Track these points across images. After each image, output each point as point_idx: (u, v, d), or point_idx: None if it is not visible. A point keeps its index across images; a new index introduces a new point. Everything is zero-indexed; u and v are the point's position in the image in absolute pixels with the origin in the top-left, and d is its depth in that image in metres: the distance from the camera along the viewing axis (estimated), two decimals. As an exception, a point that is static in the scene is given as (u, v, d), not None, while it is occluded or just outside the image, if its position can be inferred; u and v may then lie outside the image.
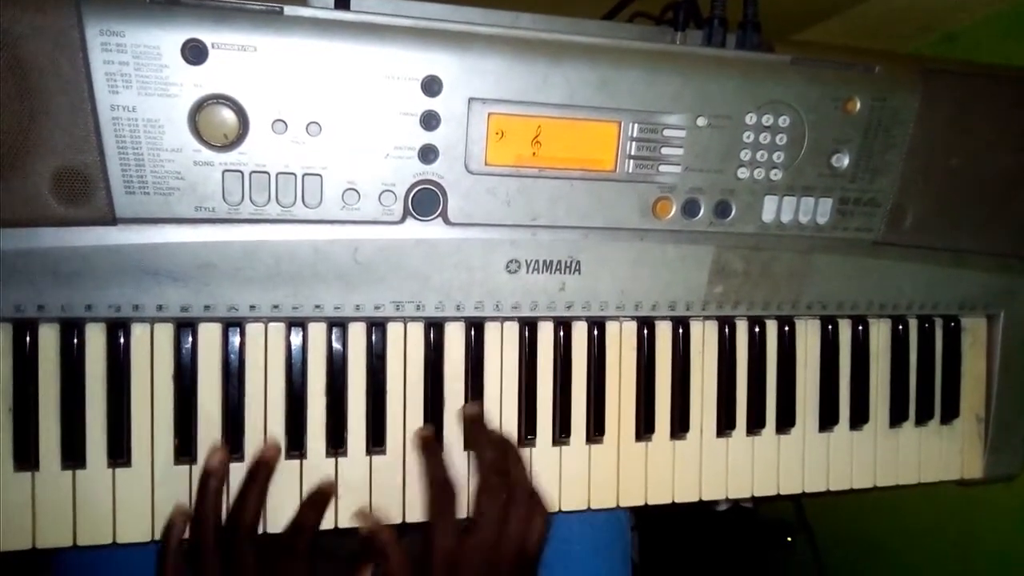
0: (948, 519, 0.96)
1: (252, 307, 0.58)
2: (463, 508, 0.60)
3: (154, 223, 0.55)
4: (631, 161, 0.61)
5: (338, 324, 0.61)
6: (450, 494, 0.59)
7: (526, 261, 0.62)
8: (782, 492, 0.72)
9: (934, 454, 0.77)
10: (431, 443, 0.61)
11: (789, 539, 1.23)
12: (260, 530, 0.59)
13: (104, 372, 0.57)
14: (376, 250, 0.59)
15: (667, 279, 0.66)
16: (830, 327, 0.72)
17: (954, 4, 0.92)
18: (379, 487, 0.62)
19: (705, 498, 0.70)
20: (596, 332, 0.66)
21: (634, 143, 0.61)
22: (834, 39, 1.04)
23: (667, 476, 0.69)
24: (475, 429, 0.63)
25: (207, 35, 0.52)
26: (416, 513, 0.63)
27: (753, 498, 0.74)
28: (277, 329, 0.60)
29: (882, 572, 1.08)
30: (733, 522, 1.27)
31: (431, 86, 0.56)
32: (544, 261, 0.63)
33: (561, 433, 0.66)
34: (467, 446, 0.64)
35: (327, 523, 0.61)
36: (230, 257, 0.56)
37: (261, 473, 0.57)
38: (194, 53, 0.52)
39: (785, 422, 0.72)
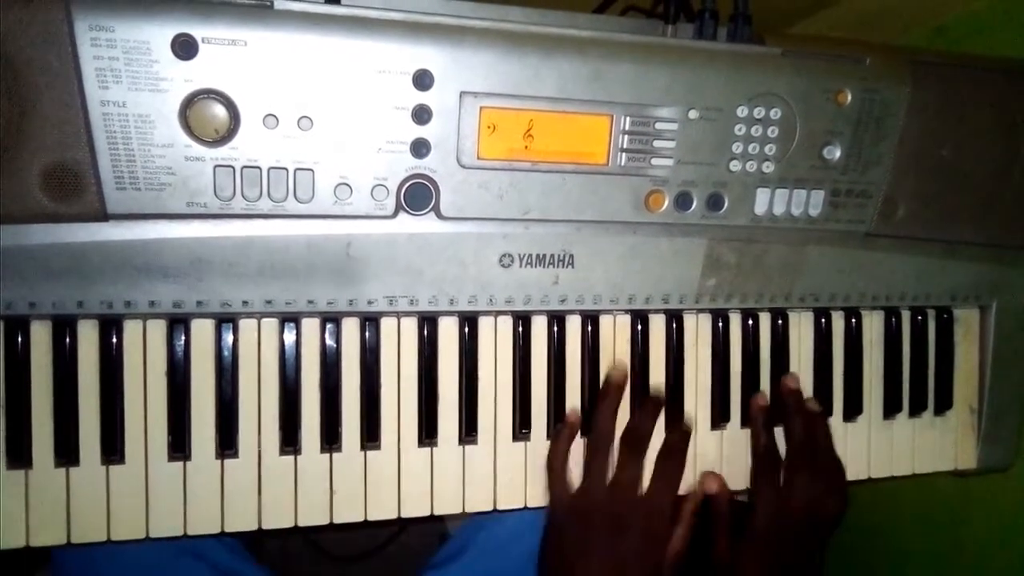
0: (942, 509, 0.96)
1: (245, 303, 0.58)
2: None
3: (145, 219, 0.55)
4: (623, 154, 0.62)
5: (331, 319, 0.61)
6: (776, 463, 0.66)
7: (519, 255, 0.62)
8: (777, 484, 0.72)
9: (928, 445, 0.77)
10: (762, 412, 0.68)
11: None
12: (256, 526, 0.60)
13: (97, 369, 0.57)
14: (369, 245, 0.59)
15: (660, 272, 0.66)
16: (823, 319, 0.73)
17: (944, -3, 0.93)
18: (374, 482, 0.62)
19: (700, 490, 0.70)
20: (590, 326, 0.67)
21: (626, 136, 0.61)
22: (826, 32, 1.04)
23: (661, 469, 0.69)
24: (792, 399, 0.68)
25: (197, 29, 0.52)
26: (412, 508, 0.63)
27: (748, 491, 0.74)
28: (270, 324, 0.60)
29: (877, 561, 1.08)
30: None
31: (422, 80, 0.56)
32: (537, 255, 0.63)
33: (556, 426, 0.66)
34: (780, 421, 0.69)
35: (322, 520, 0.61)
36: (222, 252, 0.56)
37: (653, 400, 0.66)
38: (184, 48, 0.52)
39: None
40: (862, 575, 1.12)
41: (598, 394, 0.65)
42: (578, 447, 0.65)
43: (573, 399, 0.66)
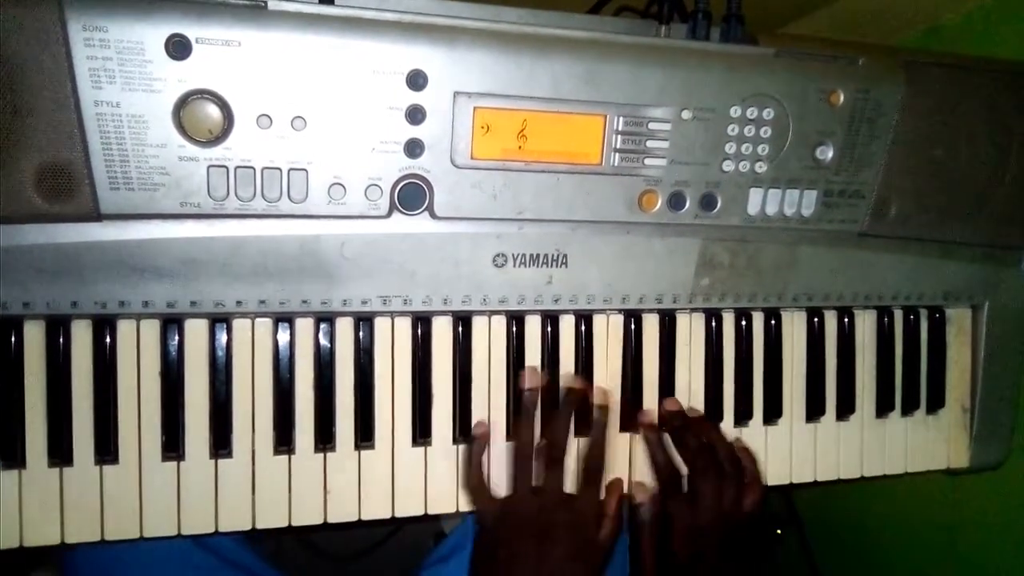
0: (937, 510, 0.96)
1: (239, 302, 0.58)
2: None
3: (139, 219, 0.55)
4: (617, 154, 0.62)
5: (325, 319, 0.61)
6: (676, 475, 0.65)
7: (513, 255, 0.62)
8: (770, 483, 0.72)
9: (920, 444, 0.77)
10: (654, 430, 0.66)
11: (779, 531, 1.23)
12: (250, 526, 0.60)
13: (90, 369, 0.57)
14: (363, 244, 0.59)
15: (654, 272, 0.66)
16: (816, 319, 0.73)
17: (938, -2, 0.93)
18: (368, 481, 0.62)
19: (693, 489, 0.70)
20: (583, 325, 0.67)
21: (620, 136, 0.61)
22: (819, 33, 1.04)
23: (655, 468, 0.69)
24: (676, 419, 0.67)
25: (191, 30, 0.52)
26: (406, 507, 0.63)
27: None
28: (264, 324, 0.60)
29: (872, 563, 1.09)
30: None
31: (416, 80, 0.56)
32: (531, 255, 0.63)
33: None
34: (674, 438, 0.67)
35: (316, 519, 0.61)
36: (216, 252, 0.56)
37: (570, 402, 0.64)
38: (178, 48, 0.52)
39: (772, 413, 0.72)
40: (855, 574, 1.12)
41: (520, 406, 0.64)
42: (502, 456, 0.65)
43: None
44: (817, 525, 1.18)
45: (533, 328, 0.66)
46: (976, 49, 0.80)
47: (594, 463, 0.63)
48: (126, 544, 0.60)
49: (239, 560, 0.70)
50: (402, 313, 0.62)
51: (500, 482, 0.64)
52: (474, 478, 0.63)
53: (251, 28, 0.53)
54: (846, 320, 0.74)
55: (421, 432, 0.63)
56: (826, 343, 0.74)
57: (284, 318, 0.60)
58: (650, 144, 0.62)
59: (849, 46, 0.65)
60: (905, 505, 1.02)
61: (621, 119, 0.61)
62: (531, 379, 0.64)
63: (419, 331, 0.63)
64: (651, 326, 0.69)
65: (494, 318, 0.65)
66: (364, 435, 0.62)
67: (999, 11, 0.88)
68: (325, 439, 0.61)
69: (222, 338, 0.59)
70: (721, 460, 0.65)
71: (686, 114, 0.62)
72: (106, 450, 0.57)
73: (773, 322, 0.72)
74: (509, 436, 0.66)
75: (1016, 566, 0.86)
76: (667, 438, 0.67)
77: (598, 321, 0.67)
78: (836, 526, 1.16)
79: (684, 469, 0.66)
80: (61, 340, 0.56)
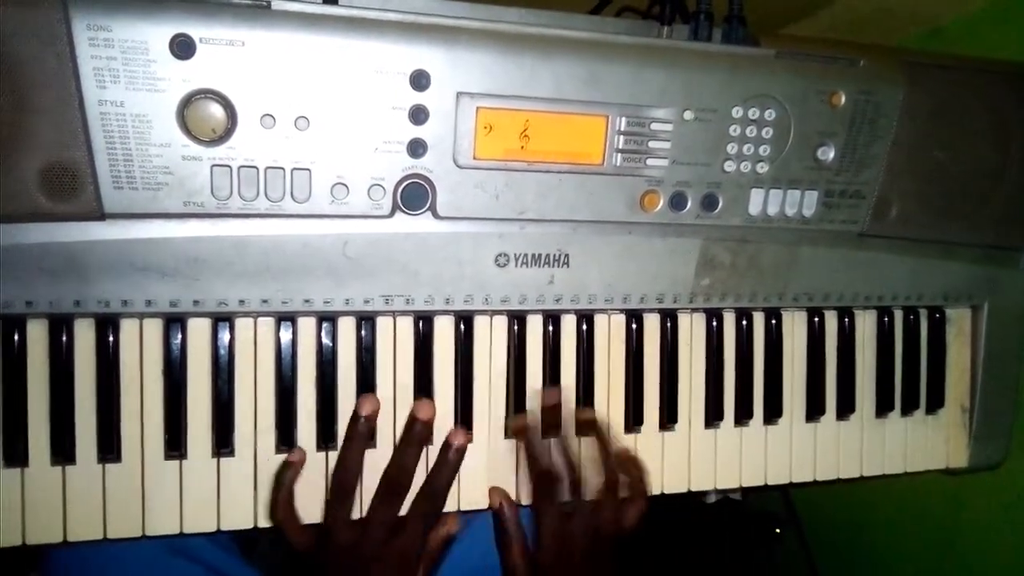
0: (935, 511, 0.97)
1: (241, 302, 0.58)
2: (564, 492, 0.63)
3: (142, 218, 0.55)
4: (619, 155, 0.62)
5: (328, 318, 0.61)
6: (553, 480, 0.62)
7: (515, 255, 0.63)
8: (770, 482, 0.73)
9: (920, 444, 0.77)
10: (528, 431, 0.63)
11: (778, 531, 1.23)
12: (252, 524, 0.60)
13: (93, 368, 0.57)
14: (365, 244, 0.59)
15: (655, 272, 0.66)
16: (816, 319, 0.73)
17: (939, -2, 0.93)
18: (370, 481, 0.62)
19: (694, 489, 0.71)
20: (585, 325, 0.67)
21: (622, 137, 0.61)
22: (820, 34, 1.04)
23: (656, 467, 0.69)
24: (553, 416, 0.64)
25: (195, 30, 0.52)
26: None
27: (742, 490, 0.74)
28: (267, 324, 0.60)
29: (870, 563, 1.09)
30: (722, 514, 1.27)
31: (419, 80, 0.56)
32: (533, 254, 0.63)
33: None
34: (546, 434, 0.65)
35: (314, 517, 0.61)
36: (219, 252, 0.56)
37: (413, 437, 0.60)
38: (182, 48, 0.52)
39: (772, 413, 0.72)
40: (854, 574, 1.13)
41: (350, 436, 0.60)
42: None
43: (567, 397, 0.67)
44: (816, 525, 1.18)
45: (535, 328, 0.66)
46: (977, 50, 0.80)
47: (427, 500, 0.60)
48: (103, 552, 0.60)
49: (224, 568, 0.69)
50: (404, 312, 0.62)
51: (511, 487, 0.65)
52: (283, 507, 0.57)
53: (255, 28, 0.53)
54: (846, 320, 0.74)
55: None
56: (826, 343, 0.74)
57: (287, 317, 0.60)
58: (652, 144, 0.62)
59: (850, 47, 0.66)
60: (904, 505, 1.02)
61: (623, 119, 0.61)
62: (370, 404, 0.59)
63: (421, 330, 0.63)
64: (652, 326, 0.69)
65: (496, 318, 0.65)
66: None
67: (1000, 12, 0.88)
68: (327, 438, 0.61)
69: (225, 337, 0.59)
70: (607, 469, 0.63)
71: (688, 115, 0.62)
72: (109, 448, 0.57)
73: (773, 322, 0.72)
74: (507, 435, 0.66)
75: (1015, 565, 0.86)
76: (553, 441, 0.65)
77: (599, 321, 0.67)
78: (835, 526, 1.16)
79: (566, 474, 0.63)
80: (64, 339, 0.56)
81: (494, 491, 0.65)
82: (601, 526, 0.62)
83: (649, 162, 0.63)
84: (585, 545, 0.61)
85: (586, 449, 0.66)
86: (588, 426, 0.65)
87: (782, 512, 1.21)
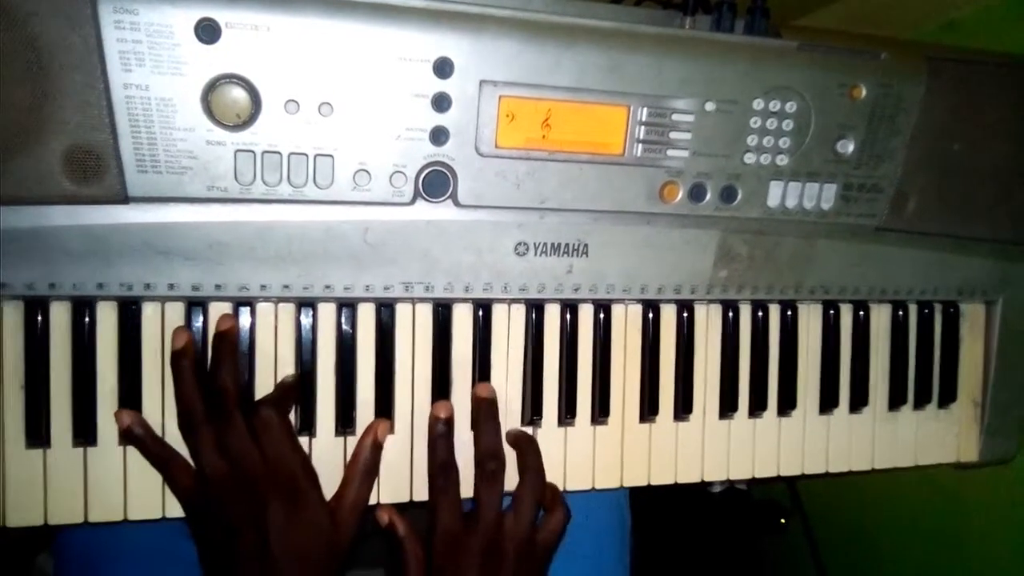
0: (941, 504, 0.97)
1: (263, 287, 0.58)
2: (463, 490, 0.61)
3: (166, 202, 0.55)
4: (639, 145, 0.62)
5: (348, 304, 0.61)
6: (452, 476, 0.60)
7: (534, 244, 0.63)
8: (782, 474, 0.73)
9: (931, 437, 0.78)
10: (438, 423, 0.61)
11: (783, 521, 1.24)
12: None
13: (115, 350, 0.57)
14: (386, 231, 0.59)
15: (673, 263, 0.66)
16: (831, 312, 0.73)
17: (955, -9, 0.93)
18: (388, 465, 0.62)
19: (707, 479, 0.71)
20: (602, 315, 0.67)
21: (643, 127, 0.61)
22: (836, 25, 1.04)
23: (670, 457, 0.70)
24: (484, 412, 0.63)
25: (220, 14, 0.52)
26: (423, 492, 0.64)
27: (748, 480, 0.75)
28: (287, 309, 0.60)
29: (875, 553, 1.10)
30: (727, 504, 1.28)
31: (443, 68, 0.56)
32: (552, 244, 0.63)
33: (567, 415, 0.67)
34: (473, 427, 0.64)
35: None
36: (241, 237, 0.57)
37: (224, 346, 0.57)
38: (207, 32, 0.52)
39: (786, 405, 0.73)
40: (860, 570, 1.13)
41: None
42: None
43: (584, 387, 0.67)
44: (821, 515, 1.19)
45: (552, 317, 0.66)
46: (993, 43, 0.79)
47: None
48: (113, 535, 0.61)
49: None
50: (423, 299, 0.63)
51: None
52: (156, 449, 0.57)
53: (280, 13, 0.53)
54: (861, 313, 0.74)
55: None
56: (841, 336, 0.74)
57: (307, 303, 0.61)
58: (673, 135, 0.62)
59: (872, 40, 0.66)
60: (910, 496, 1.03)
61: (645, 110, 0.61)
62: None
63: (440, 317, 0.63)
64: (669, 317, 0.69)
65: (514, 306, 0.65)
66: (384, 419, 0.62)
67: (1017, 5, 0.88)
68: (345, 423, 0.62)
69: (245, 322, 0.60)
70: (527, 472, 0.61)
71: (709, 106, 0.62)
72: (130, 431, 0.58)
73: (789, 314, 0.72)
74: (523, 422, 0.66)
75: (1020, 556, 0.87)
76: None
77: (617, 311, 0.68)
78: (840, 516, 1.17)
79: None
80: (87, 321, 0.57)
81: (382, 509, 0.62)
82: (506, 534, 0.59)
83: (669, 153, 0.63)
84: (486, 552, 0.58)
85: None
86: (515, 434, 0.64)
87: (787, 502, 1.21)
